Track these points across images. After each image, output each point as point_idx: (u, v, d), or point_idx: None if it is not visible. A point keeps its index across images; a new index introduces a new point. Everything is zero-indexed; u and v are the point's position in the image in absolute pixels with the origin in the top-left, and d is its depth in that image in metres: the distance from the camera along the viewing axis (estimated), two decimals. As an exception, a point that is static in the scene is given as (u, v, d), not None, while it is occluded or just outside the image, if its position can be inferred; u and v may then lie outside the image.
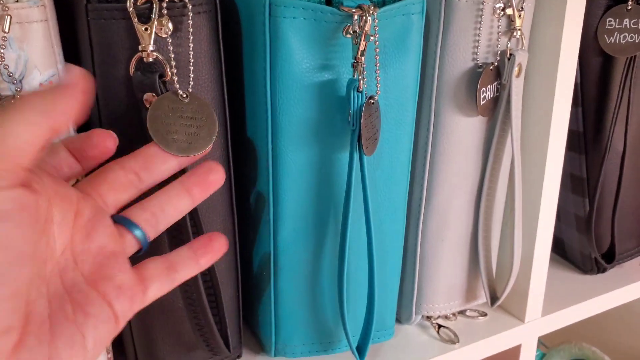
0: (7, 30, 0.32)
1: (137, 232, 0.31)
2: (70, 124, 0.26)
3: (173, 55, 0.34)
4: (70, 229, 0.28)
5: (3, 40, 0.32)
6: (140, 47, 0.33)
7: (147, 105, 0.33)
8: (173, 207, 0.32)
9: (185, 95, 0.34)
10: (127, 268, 0.29)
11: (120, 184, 0.31)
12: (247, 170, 0.43)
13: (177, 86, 0.34)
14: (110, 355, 0.42)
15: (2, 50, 0.32)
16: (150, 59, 0.33)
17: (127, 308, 0.28)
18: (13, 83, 0.33)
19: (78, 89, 0.24)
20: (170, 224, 0.33)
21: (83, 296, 0.27)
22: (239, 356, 0.45)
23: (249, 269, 0.47)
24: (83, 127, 0.39)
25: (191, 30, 0.35)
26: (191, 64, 0.35)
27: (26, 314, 0.24)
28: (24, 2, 0.32)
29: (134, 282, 0.29)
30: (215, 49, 0.37)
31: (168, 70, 0.34)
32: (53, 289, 0.26)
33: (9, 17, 0.31)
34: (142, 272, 0.30)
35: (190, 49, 0.35)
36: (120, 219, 0.31)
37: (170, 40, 0.34)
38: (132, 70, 0.33)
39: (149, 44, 0.32)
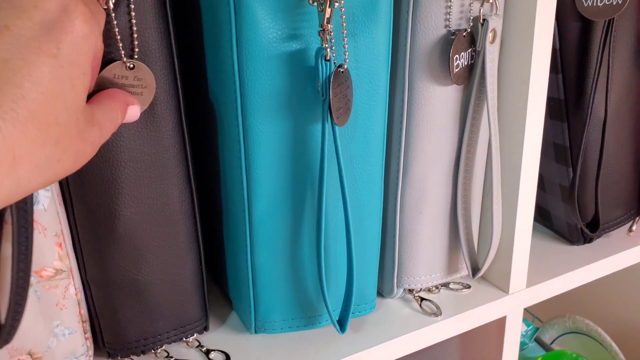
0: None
1: None
2: None
3: (117, 30, 0.34)
4: None
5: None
6: None
7: None
8: None
9: (132, 66, 0.35)
10: None
11: None
12: (213, 140, 0.43)
13: (124, 59, 0.34)
14: (89, 334, 0.42)
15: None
16: None
17: None
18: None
19: None
20: None
21: None
22: (205, 328, 0.46)
23: (225, 242, 0.46)
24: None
25: (132, 1, 0.34)
26: (135, 36, 0.35)
27: None
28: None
29: None
30: (162, 20, 0.36)
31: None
32: None
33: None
34: None
35: (133, 20, 0.35)
36: None
37: (112, 13, 0.34)
38: None
39: None
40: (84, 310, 0.41)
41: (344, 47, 0.37)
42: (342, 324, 0.44)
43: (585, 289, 0.72)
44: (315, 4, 0.36)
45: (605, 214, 0.55)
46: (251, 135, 0.39)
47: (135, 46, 0.35)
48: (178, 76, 0.38)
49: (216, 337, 0.47)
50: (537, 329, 0.90)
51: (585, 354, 0.84)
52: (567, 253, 0.58)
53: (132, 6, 0.34)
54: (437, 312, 0.49)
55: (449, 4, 0.41)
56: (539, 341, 0.89)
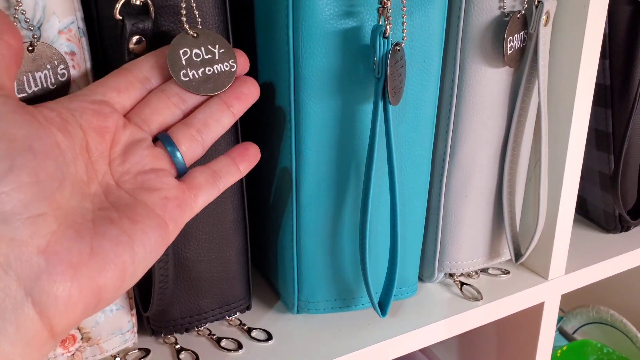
0: (23, -27, 0.31)
1: (177, 155, 0.32)
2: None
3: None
4: (106, 158, 0.30)
5: (20, -17, 0.31)
6: None
7: (134, 53, 0.33)
8: (216, 121, 0.34)
9: (196, 35, 0.34)
10: (171, 180, 0.31)
11: (164, 107, 0.32)
12: (261, 120, 0.43)
13: (187, 26, 0.34)
14: (134, 311, 0.42)
15: (19, -5, 0.31)
16: (138, 2, 0.32)
17: (177, 214, 0.30)
18: (30, 29, 0.32)
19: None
20: (215, 139, 0.34)
21: (129, 207, 0.28)
22: (248, 307, 0.46)
23: (269, 224, 0.46)
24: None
25: None
26: (194, 7, 0.35)
27: (62, 207, 0.26)
28: (40, -56, 0.31)
29: (181, 191, 0.31)
30: None
31: (153, 12, 0.33)
32: (98, 203, 0.28)
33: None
34: (189, 182, 0.32)
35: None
36: (164, 140, 0.32)
37: None
38: (117, 14, 0.32)
39: None
40: (131, 287, 0.41)
41: (402, 25, 0.37)
42: (382, 308, 0.44)
43: (605, 279, 0.71)
44: (375, -20, 0.36)
45: (646, 202, 0.55)
46: (303, 114, 0.39)
47: (197, 17, 0.34)
48: None
49: (257, 317, 0.47)
50: (560, 319, 0.89)
51: (608, 344, 0.84)
52: (603, 241, 0.58)
53: None
54: (478, 297, 0.49)
55: (504, -16, 0.40)
56: (561, 331, 0.89)
